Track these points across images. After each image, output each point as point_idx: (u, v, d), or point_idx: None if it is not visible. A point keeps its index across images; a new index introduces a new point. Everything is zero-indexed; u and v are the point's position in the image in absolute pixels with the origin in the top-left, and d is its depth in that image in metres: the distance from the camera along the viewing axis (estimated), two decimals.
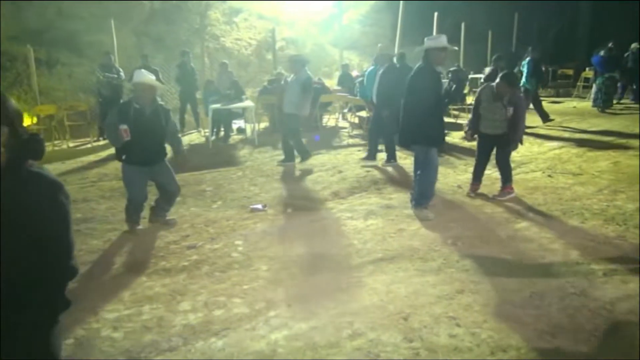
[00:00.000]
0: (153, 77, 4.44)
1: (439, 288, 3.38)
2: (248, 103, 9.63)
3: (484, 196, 5.50)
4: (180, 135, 4.80)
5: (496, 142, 5.39)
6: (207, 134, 9.50)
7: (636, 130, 8.56)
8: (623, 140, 7.92)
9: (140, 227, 4.68)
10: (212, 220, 5.00)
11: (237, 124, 10.49)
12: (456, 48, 4.85)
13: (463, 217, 4.85)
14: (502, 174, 5.49)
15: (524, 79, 10.01)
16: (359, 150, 8.36)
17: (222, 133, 9.68)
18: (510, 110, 5.18)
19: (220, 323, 3.02)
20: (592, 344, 2.69)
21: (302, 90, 6.81)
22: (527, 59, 9.98)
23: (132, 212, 4.63)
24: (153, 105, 4.43)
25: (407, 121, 4.88)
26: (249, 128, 10.11)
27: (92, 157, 8.12)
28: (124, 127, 4.23)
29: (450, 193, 5.70)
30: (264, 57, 14.97)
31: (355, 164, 7.35)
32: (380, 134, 7.17)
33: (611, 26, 16.77)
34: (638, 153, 7.04)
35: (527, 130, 9.37)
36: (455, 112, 11.59)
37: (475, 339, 2.76)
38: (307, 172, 6.93)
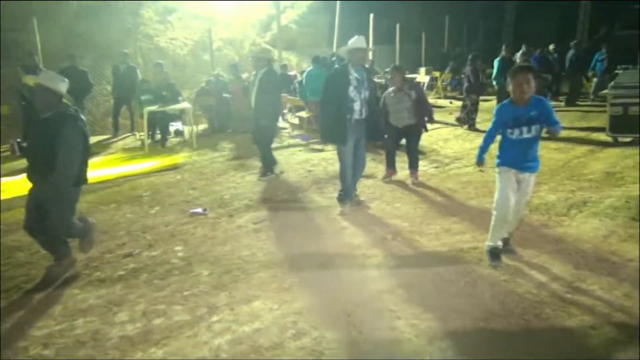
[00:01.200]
0: (62, 82, 3.56)
1: (380, 283, 3.47)
2: (185, 105, 9.38)
3: (421, 193, 5.70)
4: (70, 156, 3.46)
5: (405, 133, 6.00)
6: (142, 137, 9.16)
7: None
8: (545, 136, 8.47)
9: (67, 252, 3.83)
10: (149, 226, 4.83)
11: (174, 126, 10.20)
12: (367, 47, 5.06)
13: (401, 213, 5.00)
14: (412, 161, 6.09)
15: (493, 77, 10.48)
16: (300, 151, 8.40)
17: (158, 136, 9.38)
18: (413, 93, 5.79)
19: (160, 332, 2.93)
20: (522, 326, 2.87)
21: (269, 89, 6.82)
22: (500, 57, 10.43)
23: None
24: (53, 111, 3.48)
25: (320, 120, 5.24)
26: (186, 130, 9.86)
27: (16, 164, 7.59)
28: (10, 140, 3.60)
29: (390, 190, 5.85)
30: (200, 58, 14.62)
31: (297, 164, 7.38)
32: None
33: (533, 28, 17.90)
34: (559, 147, 7.57)
35: (459, 128, 9.84)
36: None
37: (414, 330, 2.86)
38: (248, 173, 6.87)
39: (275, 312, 3.12)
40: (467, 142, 8.53)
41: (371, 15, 14.89)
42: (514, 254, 3.80)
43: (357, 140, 5.01)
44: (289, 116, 11.41)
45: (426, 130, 6.19)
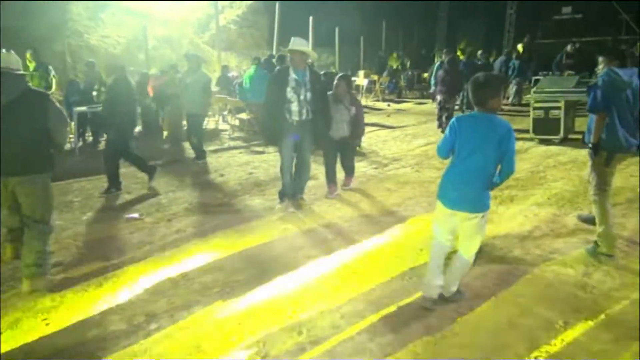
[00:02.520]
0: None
1: (322, 283, 3.51)
2: None
3: (361, 193, 5.82)
4: None
5: (340, 145, 5.68)
6: (72, 139, 8.69)
7: None
8: None
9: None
10: (81, 233, 4.60)
11: None
12: (303, 49, 4.99)
13: (342, 214, 5.08)
14: (347, 172, 5.96)
15: (432, 80, 10.69)
16: (240, 153, 8.33)
17: (90, 138, 8.93)
18: (353, 109, 5.60)
19: (95, 343, 2.81)
20: (454, 317, 3.01)
21: (204, 90, 7.13)
22: (439, 61, 10.67)
23: None
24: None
25: (260, 120, 5.34)
26: None
27: None
28: None
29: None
30: (135, 57, 14.08)
31: (238, 167, 7.31)
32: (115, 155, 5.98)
33: (464, 35, 18.80)
34: None
35: (397, 130, 10.15)
36: None
37: (356, 328, 2.92)
38: (187, 176, 6.71)
39: (219, 315, 3.08)
40: (404, 144, 8.81)
41: (310, 18, 15.03)
42: None
43: (297, 142, 5.02)
44: (229, 118, 11.26)
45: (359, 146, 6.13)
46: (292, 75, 4.89)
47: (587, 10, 19.03)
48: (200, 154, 7.47)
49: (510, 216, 4.84)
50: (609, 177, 3.80)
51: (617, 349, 2.65)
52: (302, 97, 4.90)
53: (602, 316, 2.95)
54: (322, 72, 11.49)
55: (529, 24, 20.15)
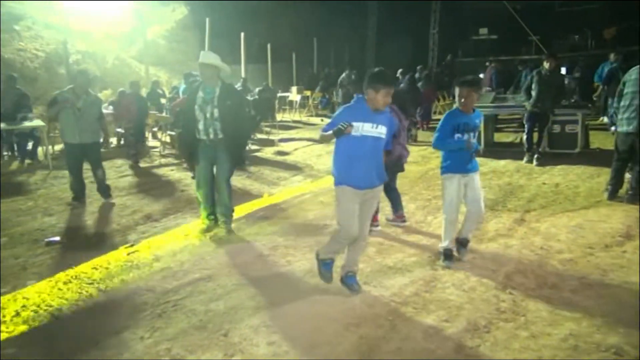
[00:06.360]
0: None
1: (256, 300, 3.48)
2: (38, 122, 8.48)
3: (295, 207, 5.85)
4: None
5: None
6: None
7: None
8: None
9: None
10: None
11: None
12: (213, 63, 4.63)
13: (276, 229, 5.07)
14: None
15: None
16: (172, 170, 8.10)
17: (6, 157, 8.31)
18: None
19: None
20: (388, 327, 3.09)
21: (101, 116, 6.20)
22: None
23: None
24: None
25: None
26: (40, 151, 8.90)
27: None
28: None
29: (270, 208, 5.92)
30: (55, 72, 13.32)
31: (170, 184, 7.10)
32: None
33: (391, 53, 19.60)
34: (417, 160, 8.35)
35: (331, 144, 10.33)
36: (267, 129, 12.12)
37: (291, 343, 2.92)
38: (115, 195, 6.41)
39: (147, 341, 2.96)
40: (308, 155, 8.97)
41: (242, 34, 15.03)
42: (460, 259, 4.10)
43: (212, 161, 4.81)
44: (159, 134, 10.92)
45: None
46: (200, 93, 4.67)
47: (501, 31, 20.55)
48: (107, 190, 6.27)
49: (437, 225, 5.05)
50: None
51: (537, 345, 2.84)
52: (207, 115, 4.64)
53: (522, 317, 3.16)
54: (258, 89, 11.56)
55: (451, 43, 21.44)
